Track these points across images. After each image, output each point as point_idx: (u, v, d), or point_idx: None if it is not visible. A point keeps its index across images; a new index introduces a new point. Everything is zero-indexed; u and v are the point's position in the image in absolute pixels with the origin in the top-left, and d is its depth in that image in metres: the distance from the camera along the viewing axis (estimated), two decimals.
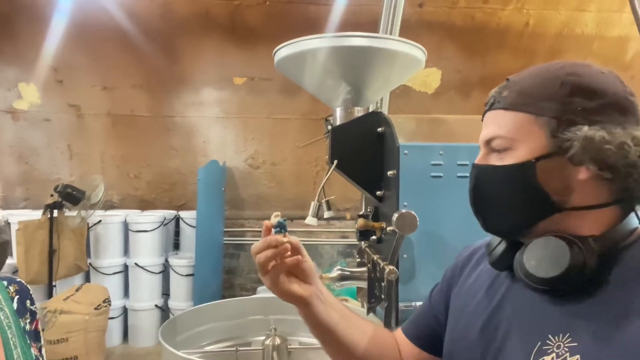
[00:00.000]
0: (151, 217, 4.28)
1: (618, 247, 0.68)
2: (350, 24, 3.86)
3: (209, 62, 4.37)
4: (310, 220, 1.51)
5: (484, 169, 0.75)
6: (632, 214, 0.70)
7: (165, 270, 4.36)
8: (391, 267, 1.35)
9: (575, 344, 0.64)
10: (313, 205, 1.51)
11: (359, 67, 1.55)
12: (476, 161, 0.78)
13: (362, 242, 1.74)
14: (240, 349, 1.72)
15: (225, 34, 4.23)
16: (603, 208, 0.68)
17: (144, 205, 4.71)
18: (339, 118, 1.66)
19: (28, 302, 0.94)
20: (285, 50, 1.57)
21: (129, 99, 4.47)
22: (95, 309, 3.50)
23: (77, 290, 3.60)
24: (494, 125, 0.74)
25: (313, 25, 3.96)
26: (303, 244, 0.91)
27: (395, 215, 1.29)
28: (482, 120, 0.79)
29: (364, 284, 1.62)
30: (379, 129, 1.55)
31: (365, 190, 1.58)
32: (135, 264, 4.18)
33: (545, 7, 4.24)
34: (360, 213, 1.78)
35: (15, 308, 0.90)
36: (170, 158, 4.65)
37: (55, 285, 3.80)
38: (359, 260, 1.84)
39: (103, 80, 4.37)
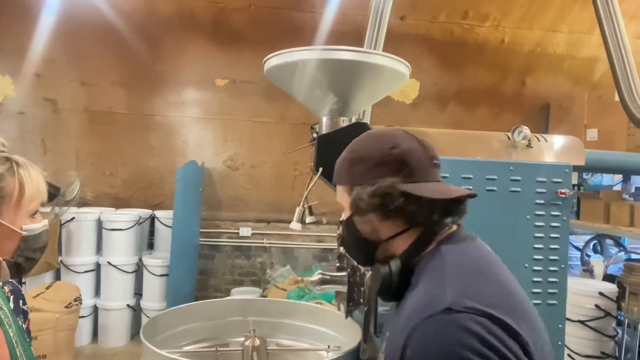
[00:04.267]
0: (126, 216, 4.23)
1: (416, 259, 0.91)
2: (334, 32, 3.93)
3: (192, 63, 4.38)
4: (295, 225, 1.56)
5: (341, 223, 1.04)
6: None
7: (139, 270, 4.32)
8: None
9: (388, 335, 0.90)
10: (298, 210, 1.56)
11: (346, 80, 1.61)
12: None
13: (342, 248, 1.79)
14: (220, 349, 1.74)
15: (209, 36, 4.25)
16: (402, 234, 0.92)
17: (119, 203, 4.66)
18: (324, 127, 1.71)
19: (21, 301, 0.96)
20: (275, 59, 1.61)
21: (107, 95, 4.42)
22: (66, 307, 3.44)
23: (47, 287, 3.54)
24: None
25: (297, 32, 4.02)
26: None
27: None
28: None
29: (343, 288, 1.67)
30: None
31: None
32: (108, 262, 4.13)
33: (520, 25, 4.42)
34: (341, 219, 1.83)
35: (12, 308, 0.91)
36: (148, 157, 4.62)
37: (25, 282, 3.71)
38: (338, 265, 1.90)
39: (82, 75, 4.32)
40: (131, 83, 4.40)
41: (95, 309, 4.22)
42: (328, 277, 1.67)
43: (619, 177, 4.66)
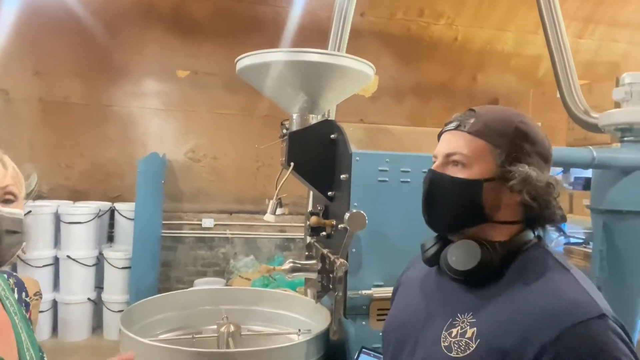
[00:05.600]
0: (85, 209, 4.16)
1: (516, 251, 0.89)
2: (296, 27, 4.00)
3: (152, 53, 4.33)
4: (269, 217, 1.65)
5: (440, 175, 0.93)
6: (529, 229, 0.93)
7: (99, 263, 4.27)
8: (342, 260, 1.53)
9: (475, 319, 0.86)
10: (272, 203, 1.65)
11: (315, 80, 1.71)
12: (434, 167, 0.95)
13: (309, 237, 1.91)
14: (197, 336, 1.82)
15: (170, 26, 4.22)
16: (512, 224, 0.91)
17: (76, 196, 4.57)
18: (295, 124, 1.80)
19: (23, 293, 1.02)
20: (248, 59, 1.69)
21: (63, 85, 4.31)
22: None
23: None
24: (457, 143, 0.92)
25: (260, 26, 4.06)
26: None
27: (347, 215, 1.47)
28: (438, 135, 0.99)
29: (313, 275, 1.79)
30: (332, 136, 1.72)
31: (318, 191, 1.75)
32: (68, 256, 4.06)
33: (472, 24, 4.65)
34: (310, 210, 1.94)
35: (16, 298, 0.97)
36: (107, 148, 4.55)
37: None
38: (307, 253, 2.01)
39: (36, 64, 4.18)
40: (88, 73, 4.30)
41: (55, 304, 4.15)
42: (299, 265, 1.78)
43: (559, 168, 5.02)
